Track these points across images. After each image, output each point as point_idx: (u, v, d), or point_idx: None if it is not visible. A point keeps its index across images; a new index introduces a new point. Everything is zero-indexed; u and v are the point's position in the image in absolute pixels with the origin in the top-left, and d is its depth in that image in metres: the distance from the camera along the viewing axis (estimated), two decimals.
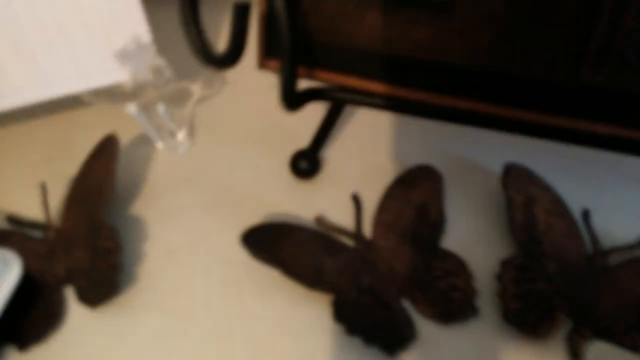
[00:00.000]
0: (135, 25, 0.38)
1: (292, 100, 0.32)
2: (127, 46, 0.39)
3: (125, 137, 0.41)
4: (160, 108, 0.39)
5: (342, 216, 0.35)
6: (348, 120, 0.43)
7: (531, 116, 0.30)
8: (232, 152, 0.40)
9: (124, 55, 0.39)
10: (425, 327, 0.30)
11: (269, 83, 0.38)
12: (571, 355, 0.29)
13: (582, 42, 0.27)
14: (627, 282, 0.31)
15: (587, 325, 0.29)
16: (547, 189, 0.35)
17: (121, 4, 0.38)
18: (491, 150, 0.39)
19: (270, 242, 0.32)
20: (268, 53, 0.34)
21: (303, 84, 0.34)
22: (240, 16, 0.30)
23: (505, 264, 0.31)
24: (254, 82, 0.43)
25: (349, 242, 0.34)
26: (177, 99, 0.44)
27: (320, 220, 0.35)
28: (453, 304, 0.30)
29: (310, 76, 0.33)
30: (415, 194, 0.35)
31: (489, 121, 0.31)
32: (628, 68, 0.26)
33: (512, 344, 0.29)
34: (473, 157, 0.39)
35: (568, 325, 0.29)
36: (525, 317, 0.29)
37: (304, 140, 0.40)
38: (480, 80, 0.30)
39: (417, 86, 0.32)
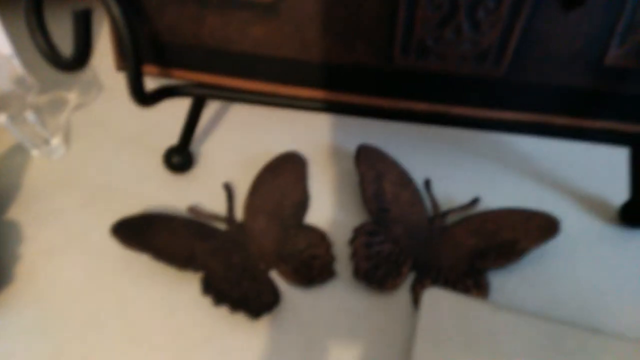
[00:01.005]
0: None
1: (142, 97, 0.34)
2: None
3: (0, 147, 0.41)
4: (30, 116, 0.40)
5: (216, 205, 0.38)
6: (220, 115, 0.45)
7: (358, 99, 0.34)
8: (109, 154, 0.42)
9: None
10: (290, 292, 0.33)
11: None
12: (413, 303, 0.33)
13: (388, 32, 0.31)
14: (461, 237, 0.36)
15: (428, 276, 0.34)
16: (393, 164, 0.39)
17: None
18: (349, 135, 0.44)
19: (142, 231, 0.35)
20: (123, 56, 0.36)
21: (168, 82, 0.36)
22: (81, 23, 0.32)
23: (357, 230, 0.36)
24: None
25: (223, 227, 0.37)
26: (54, 106, 0.45)
27: (192, 208, 0.37)
28: (313, 270, 0.34)
29: (165, 74, 0.36)
30: (282, 178, 0.39)
31: (327, 106, 0.36)
32: (429, 52, 0.31)
33: (363, 298, 0.33)
34: (334, 141, 0.43)
35: (413, 279, 0.34)
36: (373, 274, 0.34)
37: (178, 137, 0.42)
38: (314, 70, 0.34)
39: (260, 78, 0.35)
